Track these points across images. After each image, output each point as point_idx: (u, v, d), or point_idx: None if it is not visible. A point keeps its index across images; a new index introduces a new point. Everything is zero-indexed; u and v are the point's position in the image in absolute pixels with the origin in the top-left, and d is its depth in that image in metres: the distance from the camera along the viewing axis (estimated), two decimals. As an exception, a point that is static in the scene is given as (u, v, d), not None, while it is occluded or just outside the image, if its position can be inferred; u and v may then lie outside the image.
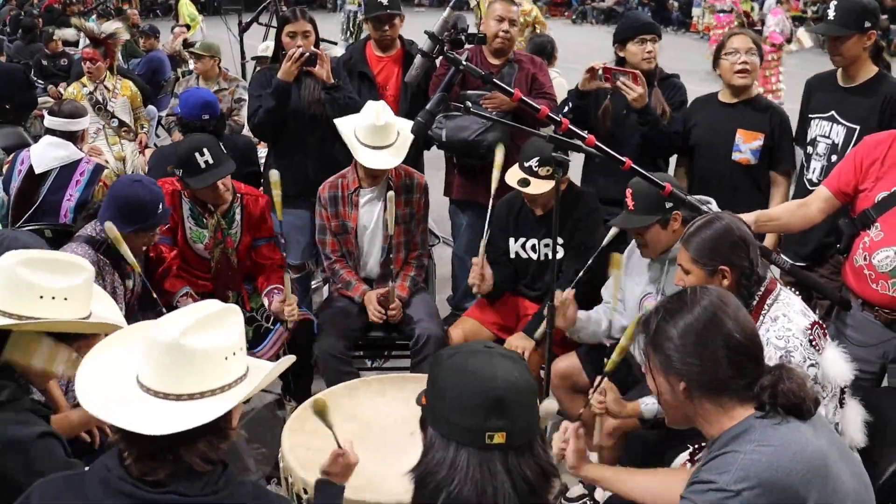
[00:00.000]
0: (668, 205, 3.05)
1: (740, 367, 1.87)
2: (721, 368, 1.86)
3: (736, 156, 3.85)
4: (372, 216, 3.91)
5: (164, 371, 1.64)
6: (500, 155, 3.70)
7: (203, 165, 3.55)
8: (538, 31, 8.78)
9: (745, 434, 1.84)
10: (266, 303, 3.80)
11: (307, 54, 4.07)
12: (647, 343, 1.98)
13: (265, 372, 1.80)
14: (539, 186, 3.51)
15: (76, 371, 1.80)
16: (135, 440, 1.61)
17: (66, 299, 2.13)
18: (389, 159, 3.70)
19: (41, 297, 2.11)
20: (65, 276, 2.15)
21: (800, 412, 1.84)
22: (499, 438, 1.51)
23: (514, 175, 3.60)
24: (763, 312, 2.53)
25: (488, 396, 1.52)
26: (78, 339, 2.24)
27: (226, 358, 1.68)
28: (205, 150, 3.55)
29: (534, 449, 1.56)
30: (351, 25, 7.34)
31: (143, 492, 1.61)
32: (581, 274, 3.34)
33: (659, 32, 4.08)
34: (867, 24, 3.40)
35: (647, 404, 2.89)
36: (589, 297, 3.53)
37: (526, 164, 3.55)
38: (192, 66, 6.80)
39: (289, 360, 1.94)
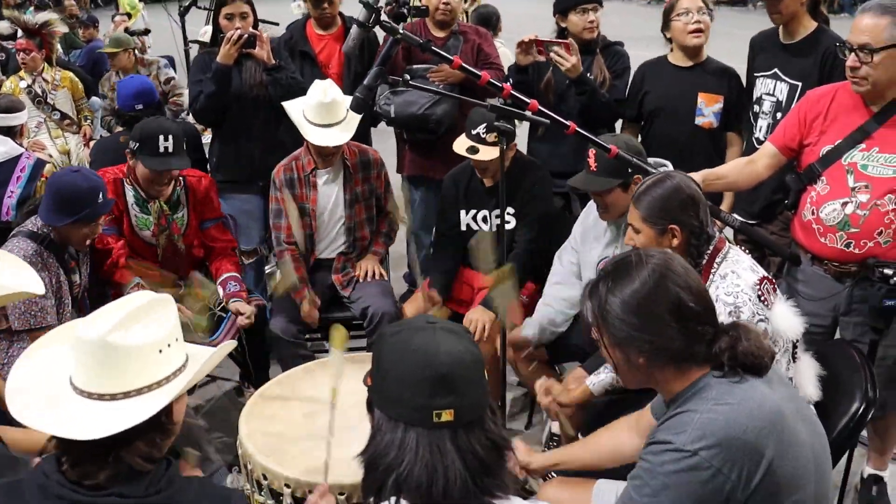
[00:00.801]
0: (630, 168, 3.04)
1: (695, 333, 1.84)
2: (674, 339, 1.83)
3: (699, 120, 3.85)
4: (330, 196, 3.87)
5: (95, 371, 1.59)
6: None
7: (162, 150, 3.49)
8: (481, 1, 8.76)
9: (702, 392, 1.83)
10: (220, 291, 3.74)
11: (245, 36, 4.00)
12: (595, 316, 1.93)
13: (205, 360, 1.75)
14: (488, 153, 3.47)
15: None
16: (71, 445, 1.57)
17: None
18: (339, 135, 3.65)
19: None
20: None
21: (758, 370, 1.84)
22: (447, 416, 1.49)
23: (462, 144, 3.56)
24: (712, 271, 2.54)
25: (433, 374, 1.49)
26: None
27: (160, 351, 1.63)
28: (170, 137, 3.50)
29: (484, 423, 1.54)
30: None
31: (82, 496, 1.56)
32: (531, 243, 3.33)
33: (601, 0, 4.03)
34: None
35: (595, 383, 2.91)
36: (539, 267, 3.54)
37: (473, 132, 3.51)
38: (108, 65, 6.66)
39: (228, 346, 1.89)
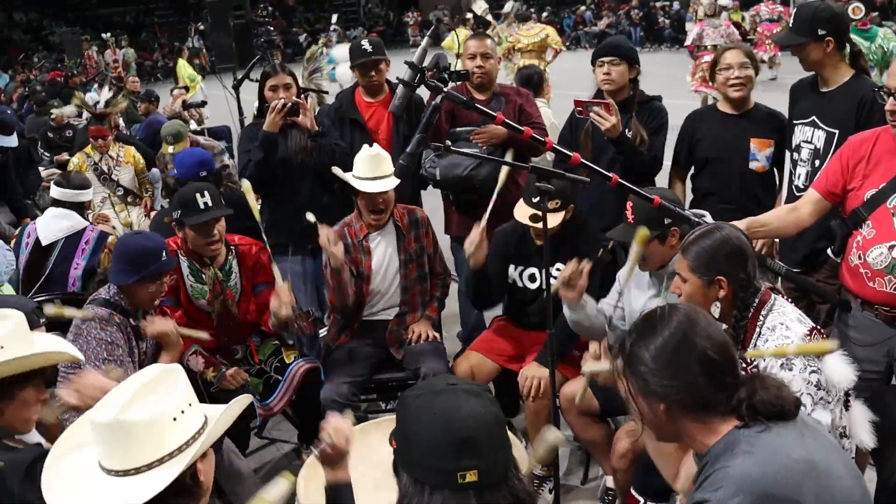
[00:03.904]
0: (667, 220, 3.06)
1: (718, 381, 1.86)
2: (699, 386, 1.85)
3: (753, 164, 3.91)
4: (385, 258, 3.97)
5: (115, 449, 1.66)
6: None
7: (202, 206, 3.63)
8: (556, 50, 9.12)
9: (732, 447, 1.82)
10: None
11: (289, 105, 4.20)
12: (623, 368, 1.96)
13: (223, 418, 1.81)
14: (551, 220, 3.42)
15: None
16: None
17: (1, 347, 2.14)
18: (388, 182, 3.78)
19: None
20: None
21: (781, 417, 1.83)
22: (471, 477, 1.51)
23: (524, 211, 3.56)
24: (759, 324, 2.53)
25: (455, 438, 1.52)
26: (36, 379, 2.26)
27: (174, 419, 1.69)
28: (206, 193, 3.65)
29: (509, 481, 1.56)
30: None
31: None
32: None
33: (622, 54, 4.06)
34: (821, 32, 3.43)
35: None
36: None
37: (534, 200, 3.49)
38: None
39: (244, 400, 1.92)
